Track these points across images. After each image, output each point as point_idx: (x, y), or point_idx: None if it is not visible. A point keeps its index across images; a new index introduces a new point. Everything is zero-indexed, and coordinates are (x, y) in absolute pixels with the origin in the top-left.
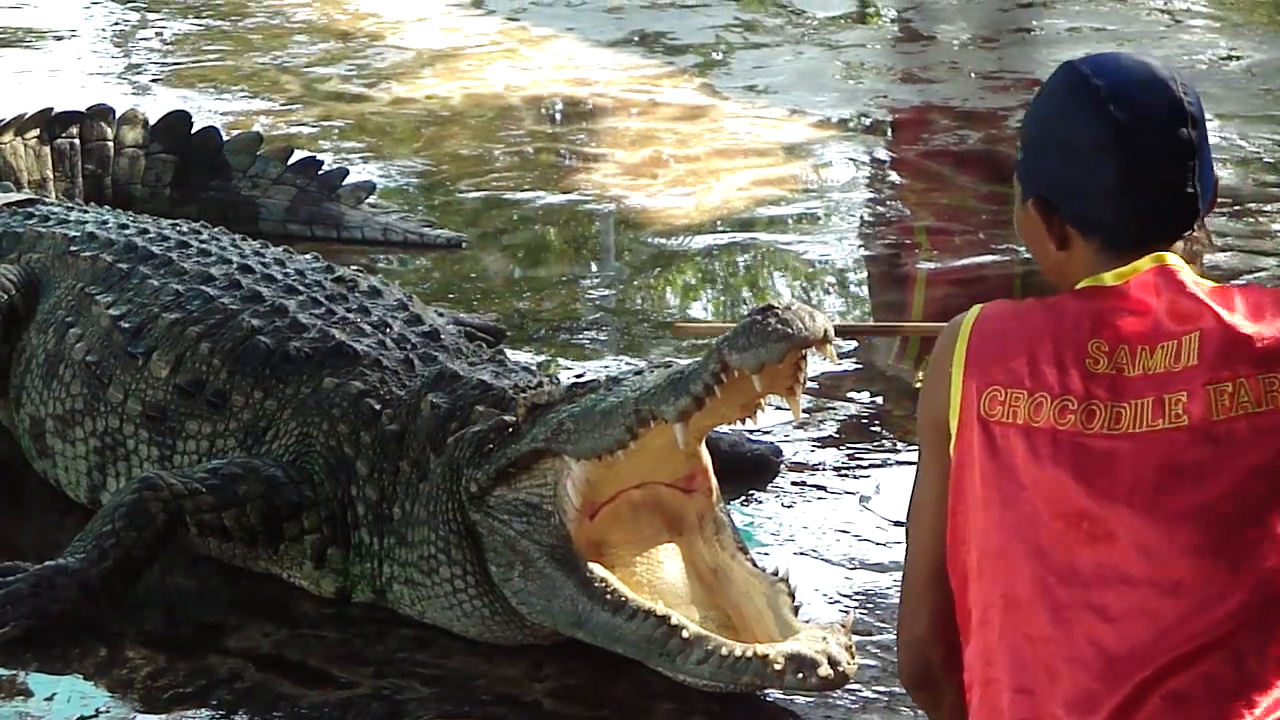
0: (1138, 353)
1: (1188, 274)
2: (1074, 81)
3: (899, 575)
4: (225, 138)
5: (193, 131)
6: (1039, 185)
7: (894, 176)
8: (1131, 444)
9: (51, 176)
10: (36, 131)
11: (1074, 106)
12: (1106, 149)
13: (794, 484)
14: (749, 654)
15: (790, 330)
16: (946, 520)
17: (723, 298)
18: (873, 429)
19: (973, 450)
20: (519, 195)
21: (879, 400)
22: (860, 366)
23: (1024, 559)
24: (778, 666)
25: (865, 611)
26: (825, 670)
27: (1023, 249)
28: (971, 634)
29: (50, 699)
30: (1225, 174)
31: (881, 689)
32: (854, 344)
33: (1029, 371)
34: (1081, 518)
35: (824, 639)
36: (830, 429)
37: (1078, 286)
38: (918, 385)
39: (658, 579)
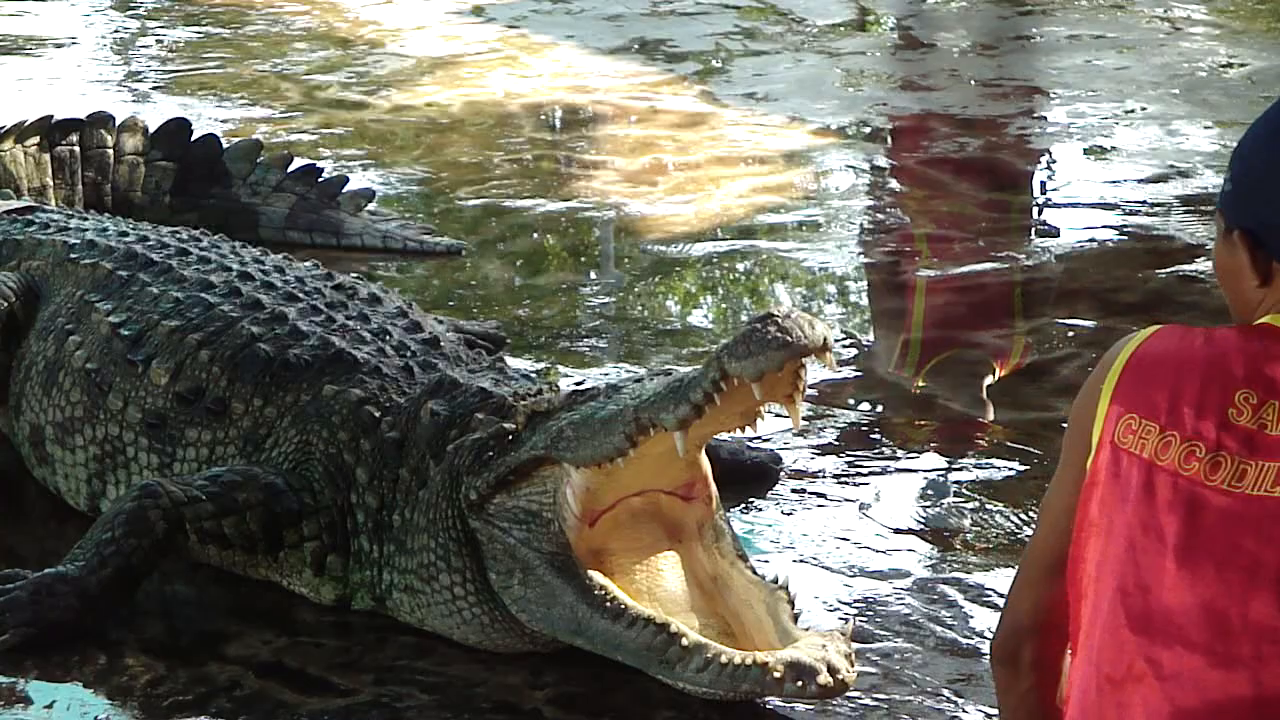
0: None
1: None
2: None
3: (899, 583)
4: (225, 145)
5: (192, 139)
6: (1247, 217)
7: (894, 184)
8: (1245, 506)
9: (51, 184)
10: (36, 139)
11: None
12: None
13: (794, 491)
14: (748, 662)
15: (790, 339)
16: (1070, 523)
17: (723, 305)
18: (873, 436)
19: (1100, 473)
20: (519, 203)
21: (879, 408)
22: (860, 374)
23: (1109, 595)
24: (777, 674)
25: (865, 619)
26: (825, 678)
27: (1023, 256)
28: (1076, 652)
29: (50, 707)
30: (1224, 181)
31: (881, 697)
32: (853, 351)
33: (1168, 407)
34: (1169, 568)
35: (823, 647)
36: (830, 436)
37: (1256, 322)
38: (917, 393)
39: (657, 587)
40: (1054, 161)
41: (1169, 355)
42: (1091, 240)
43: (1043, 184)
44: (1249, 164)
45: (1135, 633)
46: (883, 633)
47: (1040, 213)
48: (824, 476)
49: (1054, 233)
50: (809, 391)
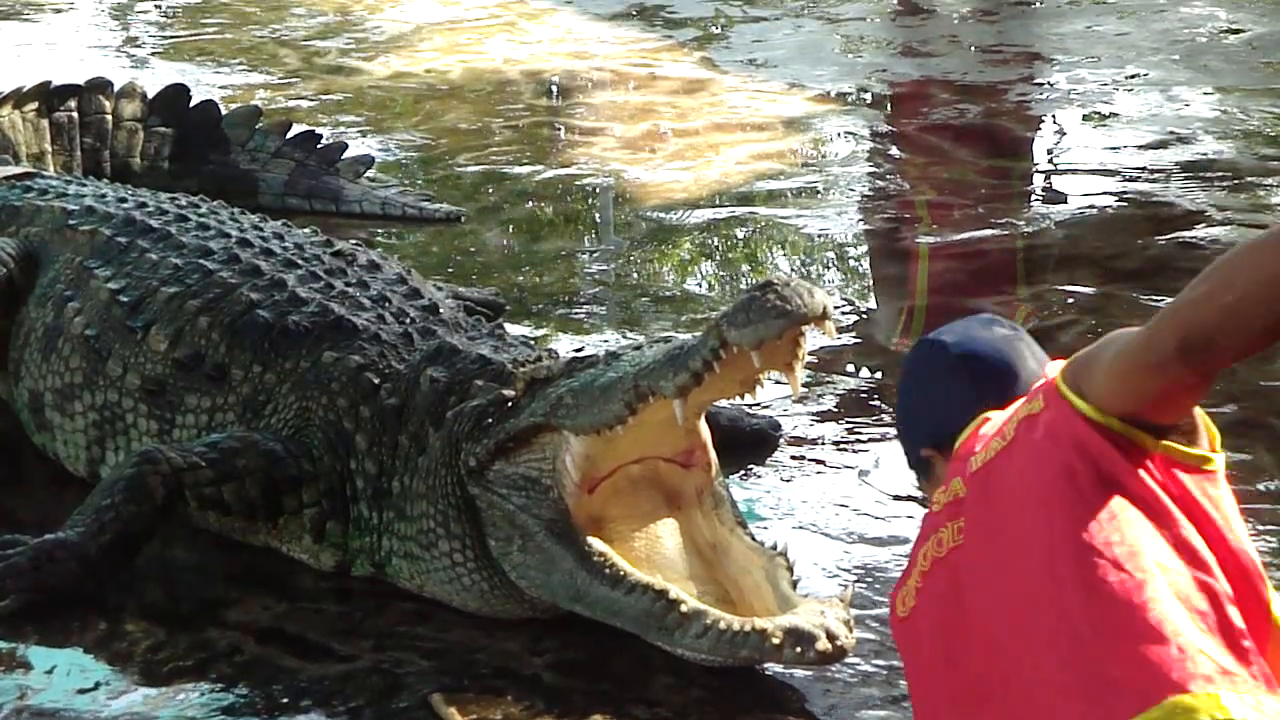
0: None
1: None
2: (912, 352)
3: (898, 549)
4: (224, 111)
5: (191, 105)
6: (928, 438)
7: (894, 150)
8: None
9: (50, 150)
10: (35, 105)
11: (917, 355)
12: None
13: (793, 458)
14: (747, 628)
15: (789, 307)
16: None
17: (722, 272)
18: (872, 403)
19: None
20: (518, 169)
21: (878, 375)
22: (860, 341)
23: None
24: (776, 640)
25: (864, 586)
26: (823, 644)
27: (1023, 222)
28: None
29: (50, 672)
30: (1225, 147)
31: (880, 663)
32: (853, 318)
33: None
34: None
35: (822, 613)
36: (829, 403)
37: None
38: None
39: (656, 553)
40: (1062, 133)
41: None
42: (1091, 207)
43: (1049, 151)
44: (902, 410)
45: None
46: (881, 599)
47: (1047, 180)
48: (823, 443)
49: (1061, 198)
50: (808, 359)
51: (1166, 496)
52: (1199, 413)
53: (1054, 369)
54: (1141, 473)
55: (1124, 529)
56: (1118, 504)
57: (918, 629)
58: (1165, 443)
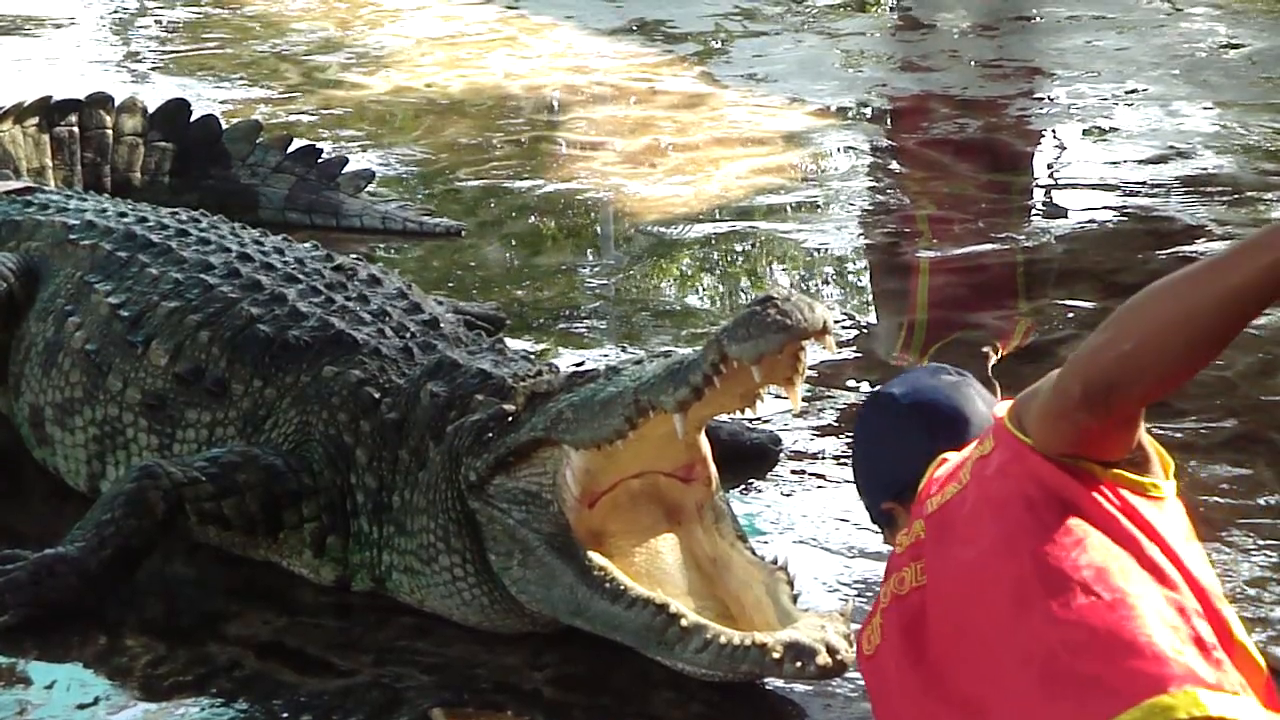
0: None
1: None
2: (863, 408)
3: None
4: (224, 126)
5: (192, 120)
6: (887, 490)
7: (894, 165)
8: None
9: (51, 164)
10: (36, 119)
11: (868, 410)
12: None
13: (793, 473)
14: (747, 642)
15: (789, 321)
16: None
17: (721, 287)
18: None
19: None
20: (518, 184)
21: (878, 389)
22: (859, 355)
23: None
24: (776, 655)
25: (864, 600)
26: (824, 658)
27: (1023, 237)
28: None
29: (50, 687)
30: (1225, 162)
31: None
32: (853, 333)
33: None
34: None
35: (823, 627)
36: (830, 418)
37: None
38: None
39: (657, 568)
40: (1062, 147)
41: None
42: (1091, 221)
43: (1049, 165)
44: (863, 466)
45: None
46: None
47: (1047, 194)
48: (823, 458)
49: (1061, 213)
50: (808, 373)
51: (1124, 518)
52: (1150, 442)
53: (1002, 409)
54: (1097, 496)
55: (1089, 551)
56: (1079, 528)
57: (883, 666)
58: (1114, 470)
